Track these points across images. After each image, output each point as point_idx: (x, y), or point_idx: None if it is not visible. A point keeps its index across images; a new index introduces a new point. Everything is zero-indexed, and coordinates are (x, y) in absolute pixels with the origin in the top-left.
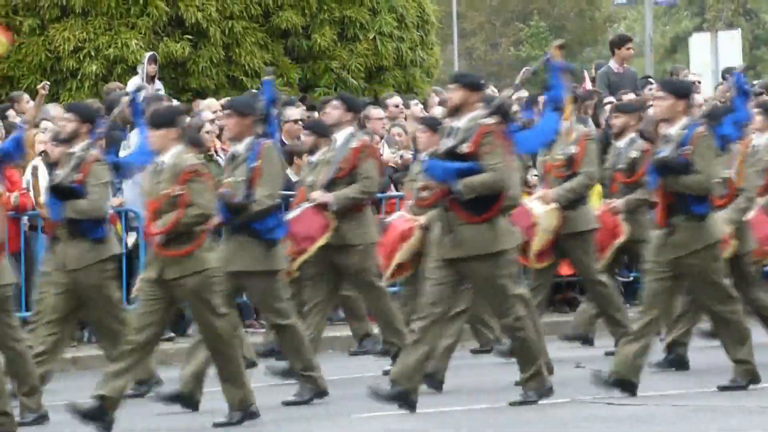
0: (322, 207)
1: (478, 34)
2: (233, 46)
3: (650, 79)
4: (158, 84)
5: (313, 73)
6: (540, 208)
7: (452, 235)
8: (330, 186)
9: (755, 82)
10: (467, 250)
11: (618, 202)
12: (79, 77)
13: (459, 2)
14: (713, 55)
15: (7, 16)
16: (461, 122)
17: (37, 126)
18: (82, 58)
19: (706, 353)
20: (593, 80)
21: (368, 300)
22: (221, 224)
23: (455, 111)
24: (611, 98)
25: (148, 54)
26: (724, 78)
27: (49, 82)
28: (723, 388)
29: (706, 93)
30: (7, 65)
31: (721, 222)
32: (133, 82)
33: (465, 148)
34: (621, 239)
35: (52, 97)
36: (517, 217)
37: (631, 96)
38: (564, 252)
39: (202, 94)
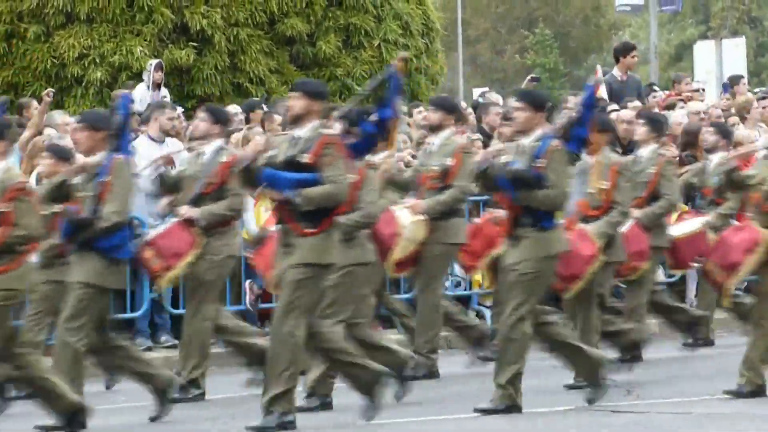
0: (189, 223)
1: (482, 41)
2: (238, 53)
3: (655, 87)
4: (164, 91)
5: (318, 80)
6: (407, 217)
7: (289, 248)
8: (197, 201)
9: (757, 89)
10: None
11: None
12: (84, 84)
13: (464, 9)
14: (718, 63)
15: (12, 22)
16: (303, 131)
17: (41, 133)
18: (87, 65)
19: (709, 360)
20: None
21: (189, 315)
22: (65, 244)
23: (297, 120)
24: (615, 106)
25: (154, 61)
26: (730, 86)
27: (53, 89)
28: (728, 393)
29: (710, 101)
30: (12, 72)
31: (565, 236)
32: (139, 89)
33: (305, 158)
34: (498, 250)
35: (57, 104)
36: (382, 223)
37: (636, 104)
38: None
39: (206, 101)
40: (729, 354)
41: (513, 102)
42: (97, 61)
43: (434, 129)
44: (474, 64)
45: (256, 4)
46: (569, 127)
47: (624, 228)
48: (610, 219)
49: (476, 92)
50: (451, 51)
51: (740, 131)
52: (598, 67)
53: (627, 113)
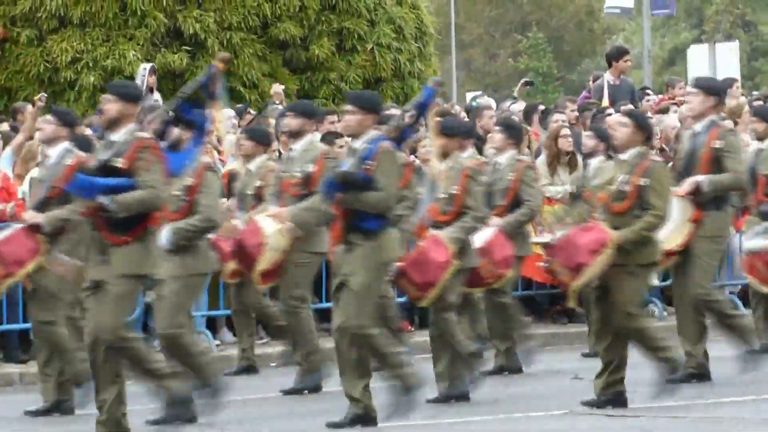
0: (34, 228)
1: (476, 45)
2: (231, 58)
3: (648, 91)
4: (156, 95)
5: (312, 84)
6: (271, 226)
7: (102, 256)
8: (42, 206)
9: (755, 92)
10: (114, 271)
11: None
12: (77, 88)
13: (457, 14)
14: (711, 67)
15: (6, 27)
16: (118, 135)
17: (32, 138)
18: (80, 69)
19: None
20: (589, 91)
21: None
22: None
23: (112, 124)
24: (611, 110)
25: (147, 65)
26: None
27: (46, 94)
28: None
29: None
30: (5, 76)
31: (398, 240)
32: None
33: (119, 162)
34: None
35: (50, 109)
36: (246, 234)
37: (630, 107)
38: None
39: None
40: (726, 359)
41: (345, 105)
42: (90, 65)
43: (294, 135)
44: (467, 68)
45: (250, 8)
46: (401, 129)
47: (487, 235)
48: (463, 224)
49: (469, 96)
50: (444, 55)
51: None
52: (598, 75)
53: (617, 117)
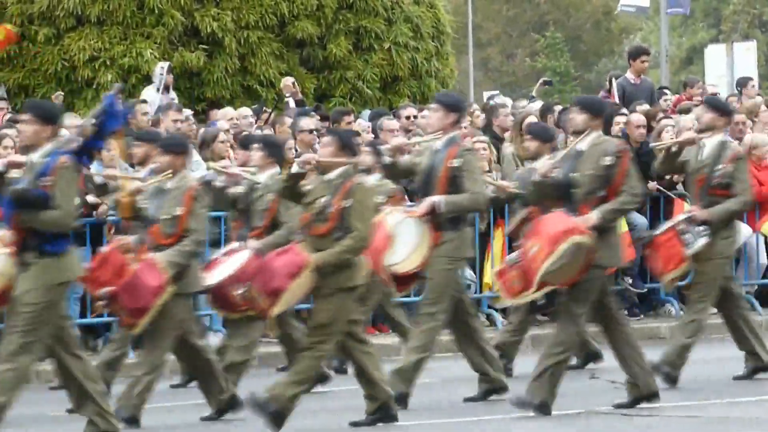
0: None
1: (493, 44)
2: (248, 56)
3: (666, 90)
4: (173, 94)
5: (329, 83)
6: None
7: None
8: None
9: None
10: None
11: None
12: (94, 86)
13: (475, 13)
14: (729, 67)
15: (23, 25)
16: None
17: None
18: (97, 67)
19: (719, 365)
20: (608, 92)
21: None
22: None
23: None
24: (624, 110)
25: (165, 64)
26: (739, 90)
27: (62, 92)
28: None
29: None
30: (22, 74)
31: (78, 262)
32: (148, 93)
33: None
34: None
35: (68, 107)
36: None
37: (645, 107)
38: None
39: (217, 104)
40: (738, 359)
41: (22, 115)
42: (108, 63)
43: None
44: (485, 68)
45: (267, 7)
46: (85, 140)
47: (241, 259)
48: (182, 247)
49: (486, 95)
50: (461, 54)
51: (757, 137)
52: (614, 81)
53: (637, 116)
